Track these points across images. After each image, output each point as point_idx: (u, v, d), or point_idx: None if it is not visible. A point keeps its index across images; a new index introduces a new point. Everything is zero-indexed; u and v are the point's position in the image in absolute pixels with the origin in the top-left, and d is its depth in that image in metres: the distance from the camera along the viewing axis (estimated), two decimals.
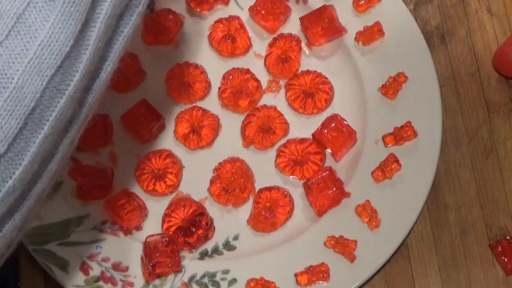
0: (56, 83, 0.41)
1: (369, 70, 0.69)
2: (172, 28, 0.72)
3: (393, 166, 0.66)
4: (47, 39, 0.40)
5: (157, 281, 0.64)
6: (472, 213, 0.67)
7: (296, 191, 0.67)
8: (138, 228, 0.66)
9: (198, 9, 0.73)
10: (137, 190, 0.67)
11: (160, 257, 0.62)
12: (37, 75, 0.40)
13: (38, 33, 0.40)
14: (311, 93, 0.69)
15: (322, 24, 0.69)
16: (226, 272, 0.64)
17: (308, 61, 0.71)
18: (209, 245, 0.66)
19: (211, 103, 0.70)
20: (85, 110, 0.45)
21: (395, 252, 0.64)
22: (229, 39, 0.71)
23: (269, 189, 0.66)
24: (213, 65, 0.71)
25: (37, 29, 0.40)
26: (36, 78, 0.40)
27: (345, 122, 0.67)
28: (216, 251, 0.65)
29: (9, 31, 0.40)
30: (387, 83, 0.68)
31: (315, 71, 0.70)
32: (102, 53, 0.44)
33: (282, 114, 0.69)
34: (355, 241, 0.64)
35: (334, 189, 0.64)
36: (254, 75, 0.70)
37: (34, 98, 0.40)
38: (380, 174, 0.66)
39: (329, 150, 0.68)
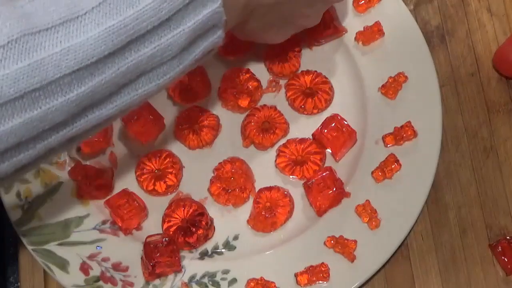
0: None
1: (369, 70, 0.69)
2: None
3: (393, 166, 0.66)
4: None
5: (157, 281, 0.64)
6: (472, 213, 0.67)
7: (296, 191, 0.67)
8: (138, 228, 0.66)
9: None
10: (137, 190, 0.67)
11: (160, 257, 0.62)
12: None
13: None
14: (311, 93, 0.69)
15: (322, 24, 0.69)
16: (226, 272, 0.64)
17: (308, 61, 0.71)
18: (209, 245, 0.66)
19: (211, 103, 0.70)
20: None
21: (395, 252, 0.64)
22: (229, 39, 0.71)
23: (269, 189, 0.66)
24: (213, 65, 0.71)
25: None
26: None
27: (345, 122, 0.67)
28: (216, 251, 0.66)
29: None
30: (387, 83, 0.68)
31: (315, 71, 0.70)
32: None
33: (282, 114, 0.69)
34: (355, 241, 0.64)
35: (334, 189, 0.65)
36: (254, 75, 0.70)
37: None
38: (380, 174, 0.66)
39: (329, 150, 0.68)
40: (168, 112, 0.70)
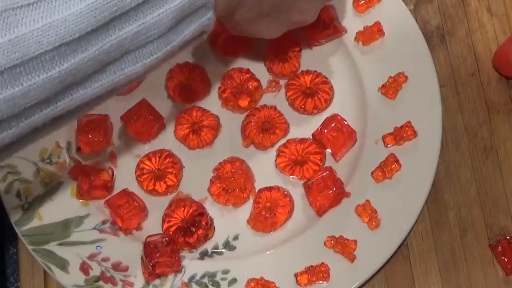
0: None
1: (369, 70, 0.69)
2: None
3: (393, 166, 0.66)
4: None
5: (157, 281, 0.64)
6: (472, 213, 0.67)
7: (296, 191, 0.67)
8: (138, 228, 0.66)
9: None
10: (137, 190, 0.67)
11: (160, 257, 0.62)
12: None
13: None
14: (311, 93, 0.69)
15: (322, 24, 0.69)
16: (226, 272, 0.64)
17: (308, 61, 0.71)
18: (209, 245, 0.66)
19: (211, 103, 0.70)
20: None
21: (395, 252, 0.64)
22: (229, 39, 0.71)
23: (269, 189, 0.66)
24: (213, 65, 0.71)
25: None
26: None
27: (345, 122, 0.67)
28: (216, 251, 0.66)
29: None
30: (387, 83, 0.68)
31: (315, 71, 0.70)
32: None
33: (282, 114, 0.69)
34: (355, 241, 0.64)
35: (334, 189, 0.65)
36: (254, 75, 0.70)
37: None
38: (380, 174, 0.66)
39: (329, 150, 0.68)
40: (168, 112, 0.70)
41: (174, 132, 0.69)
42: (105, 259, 0.64)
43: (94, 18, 0.42)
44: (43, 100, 0.43)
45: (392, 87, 0.68)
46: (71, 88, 0.44)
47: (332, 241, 0.64)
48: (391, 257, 0.64)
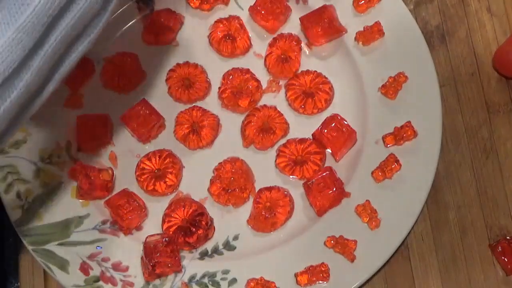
0: None
1: (369, 70, 0.69)
2: (172, 28, 0.72)
3: (393, 166, 0.66)
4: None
5: (157, 281, 0.64)
6: (472, 213, 0.67)
7: (296, 191, 0.67)
8: (138, 228, 0.66)
9: (198, 9, 0.73)
10: (137, 190, 0.67)
11: (160, 257, 0.62)
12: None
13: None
14: (311, 93, 0.69)
15: (322, 24, 0.69)
16: (226, 272, 0.64)
17: (308, 61, 0.71)
18: (209, 245, 0.66)
19: (211, 103, 0.70)
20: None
21: (395, 252, 0.64)
22: (229, 39, 0.71)
23: (269, 189, 0.66)
24: (213, 65, 0.71)
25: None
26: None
27: (345, 122, 0.67)
28: (216, 251, 0.66)
29: None
30: (387, 83, 0.68)
31: (315, 71, 0.70)
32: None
33: (282, 114, 0.69)
34: (355, 241, 0.64)
35: (334, 189, 0.65)
36: (254, 75, 0.70)
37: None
38: (380, 174, 0.66)
39: (329, 150, 0.68)
40: (168, 112, 0.70)
41: (174, 132, 0.69)
42: (105, 259, 0.64)
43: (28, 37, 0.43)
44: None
45: (392, 87, 0.68)
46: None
47: (332, 241, 0.64)
48: (391, 257, 0.64)
